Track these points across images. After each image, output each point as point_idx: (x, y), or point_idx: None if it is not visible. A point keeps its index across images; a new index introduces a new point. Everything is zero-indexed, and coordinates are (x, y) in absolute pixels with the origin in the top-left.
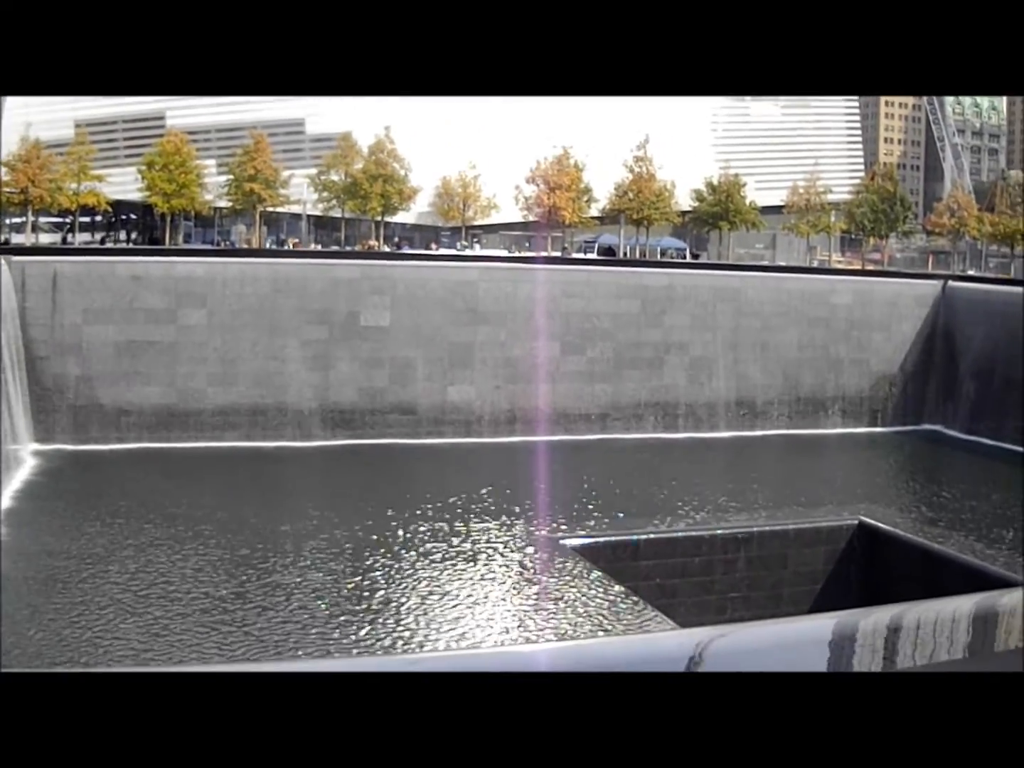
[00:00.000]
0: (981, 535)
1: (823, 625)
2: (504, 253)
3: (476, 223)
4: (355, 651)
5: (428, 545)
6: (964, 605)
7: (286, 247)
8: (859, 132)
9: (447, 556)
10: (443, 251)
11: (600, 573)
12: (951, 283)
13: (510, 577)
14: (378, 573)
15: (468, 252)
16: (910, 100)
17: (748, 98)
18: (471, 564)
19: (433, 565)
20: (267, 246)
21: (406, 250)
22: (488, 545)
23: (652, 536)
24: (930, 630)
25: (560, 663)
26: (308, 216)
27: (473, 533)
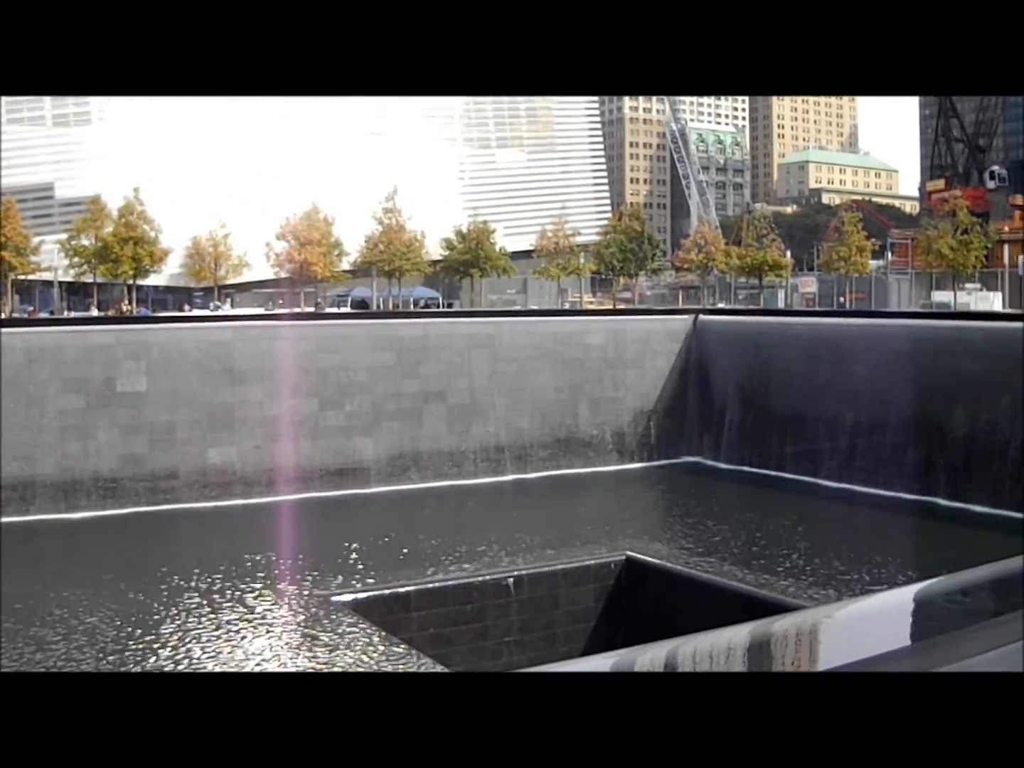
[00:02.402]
0: (746, 561)
1: (600, 665)
2: (259, 311)
3: (228, 282)
4: None
5: (200, 613)
6: (740, 633)
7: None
8: (605, 174)
9: (221, 623)
10: (196, 312)
11: (374, 627)
12: (702, 317)
13: (285, 638)
14: (156, 645)
15: (221, 312)
16: (654, 140)
17: (494, 146)
18: (245, 628)
19: (208, 632)
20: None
21: (143, 312)
22: (261, 608)
23: (423, 587)
24: (707, 662)
25: None
26: (60, 282)
27: (244, 597)
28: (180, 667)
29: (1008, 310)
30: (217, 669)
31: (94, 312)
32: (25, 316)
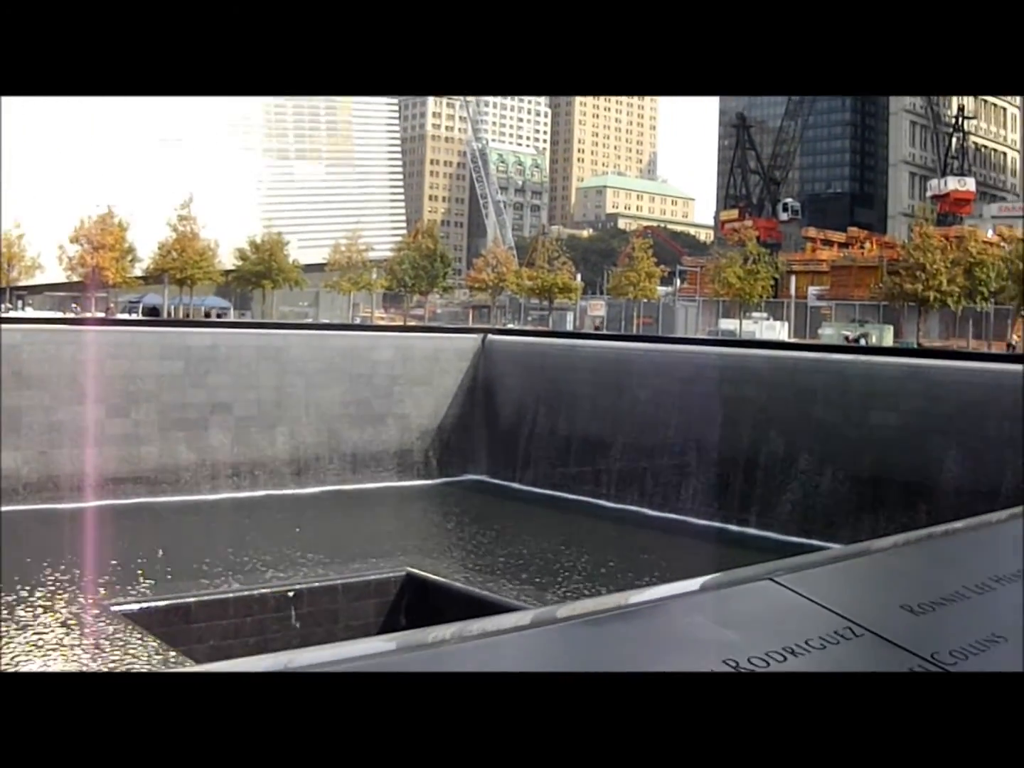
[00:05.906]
0: (522, 578)
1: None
2: (54, 315)
3: (20, 284)
4: None
5: None
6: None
7: None
8: (402, 190)
9: None
10: None
11: (152, 638)
12: (490, 336)
13: (60, 648)
14: None
15: (14, 314)
16: (454, 158)
17: (293, 157)
18: (17, 636)
19: None
20: None
21: None
22: (37, 616)
23: (203, 599)
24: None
25: None
26: None
27: (20, 606)
28: None
29: (793, 339)
30: None
31: None
32: None
